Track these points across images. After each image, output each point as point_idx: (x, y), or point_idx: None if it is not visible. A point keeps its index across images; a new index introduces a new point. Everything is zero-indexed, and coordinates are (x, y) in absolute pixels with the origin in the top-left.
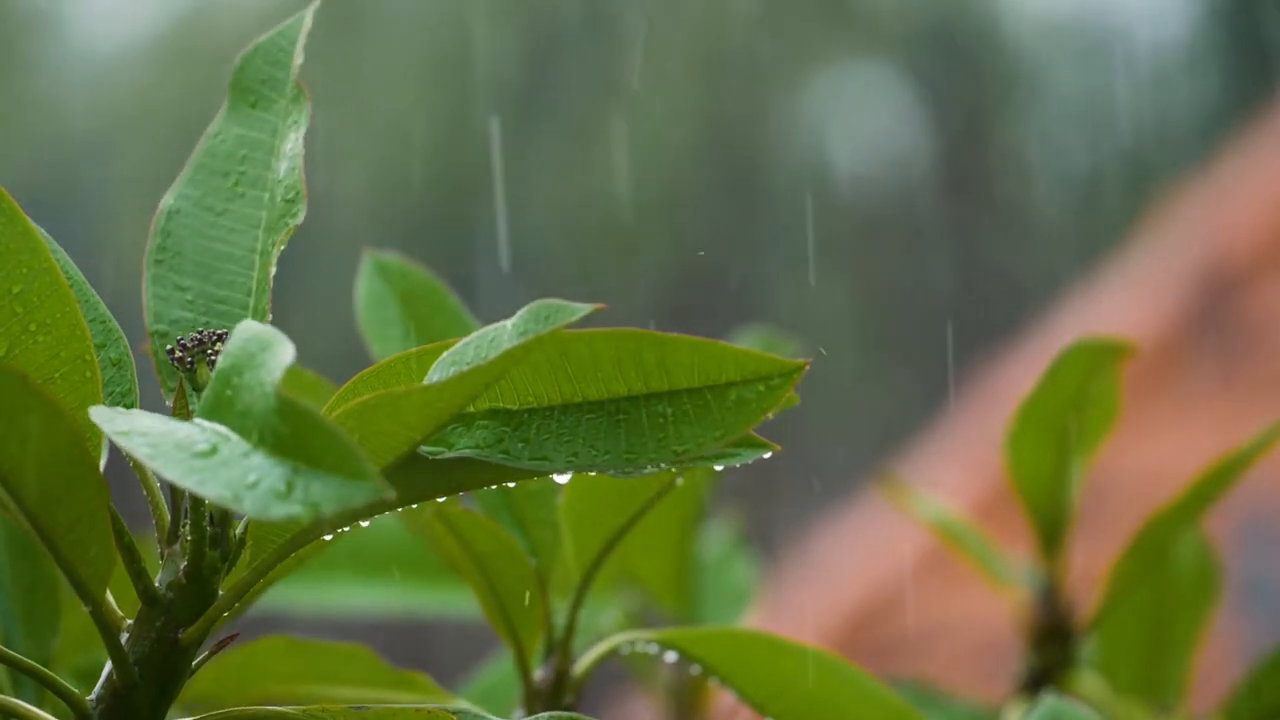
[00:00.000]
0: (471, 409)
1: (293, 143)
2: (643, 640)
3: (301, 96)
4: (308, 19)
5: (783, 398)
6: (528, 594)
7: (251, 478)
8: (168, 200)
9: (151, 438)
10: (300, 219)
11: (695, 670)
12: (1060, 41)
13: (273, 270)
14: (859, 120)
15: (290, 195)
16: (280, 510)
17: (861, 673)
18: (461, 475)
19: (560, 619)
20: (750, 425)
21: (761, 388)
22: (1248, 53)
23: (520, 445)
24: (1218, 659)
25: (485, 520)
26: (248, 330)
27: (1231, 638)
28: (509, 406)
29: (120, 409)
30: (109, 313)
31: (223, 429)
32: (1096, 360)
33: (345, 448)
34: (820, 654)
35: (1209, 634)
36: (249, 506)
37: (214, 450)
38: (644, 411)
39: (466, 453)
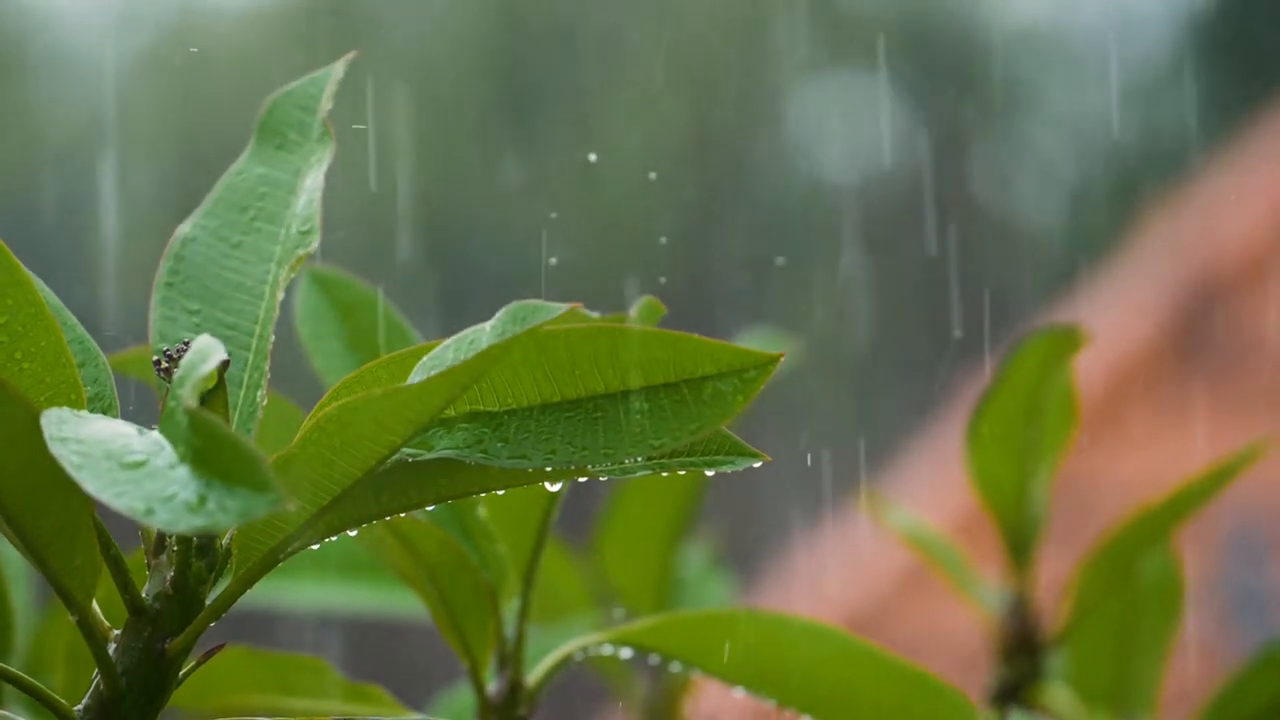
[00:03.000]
0: (452, 412)
1: (313, 178)
2: (595, 643)
3: (327, 136)
4: (339, 69)
5: (758, 390)
6: (480, 606)
7: (170, 490)
8: (184, 229)
9: (86, 445)
10: (313, 249)
11: (654, 660)
12: (1047, 53)
13: (280, 296)
14: (845, 129)
15: (305, 227)
16: (188, 523)
17: (818, 624)
18: (444, 482)
19: (510, 630)
20: (727, 419)
21: (737, 381)
22: (1235, 65)
23: (499, 445)
24: (1205, 668)
25: (436, 530)
26: (198, 343)
27: (1219, 647)
28: (489, 409)
29: (73, 411)
30: (86, 333)
31: (162, 440)
32: (1051, 355)
33: (251, 460)
34: (778, 617)
35: (1177, 644)
36: (160, 519)
37: (144, 462)
38: (620, 408)
39: (447, 453)
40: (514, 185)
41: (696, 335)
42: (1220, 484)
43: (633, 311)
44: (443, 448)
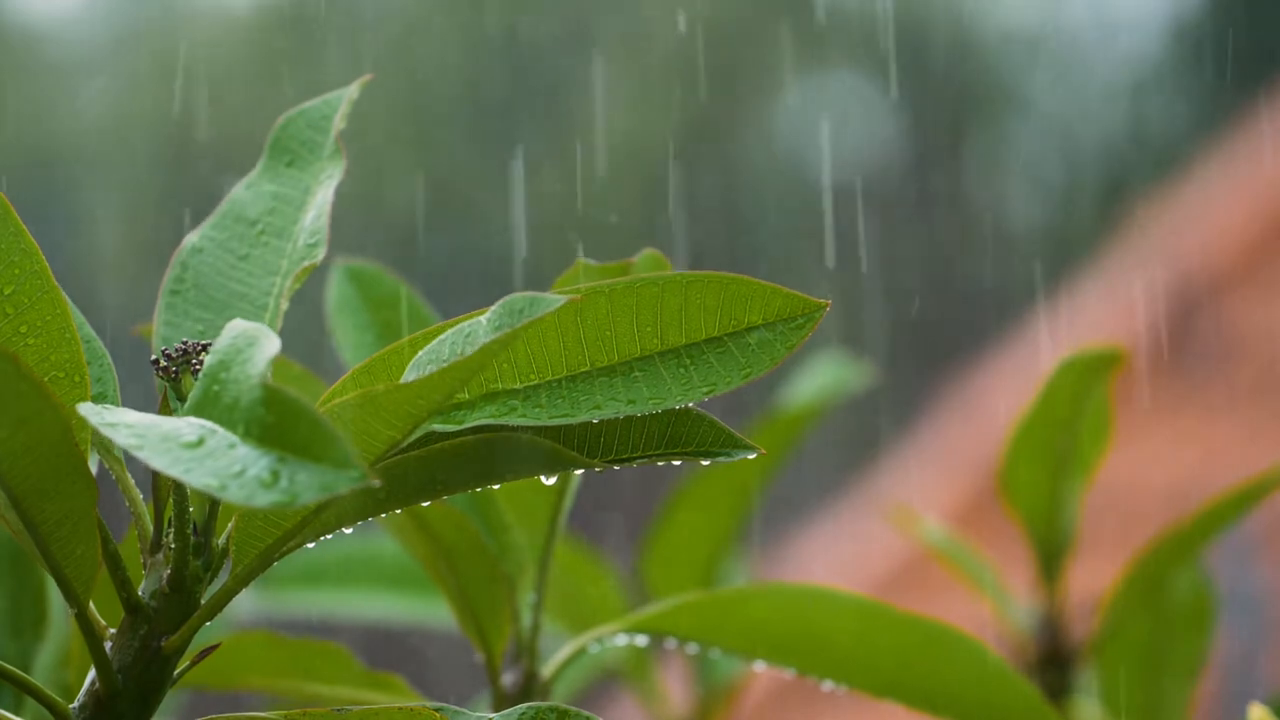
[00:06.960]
0: (466, 395)
1: (323, 194)
2: (610, 633)
3: (338, 154)
4: (354, 90)
5: (805, 338)
6: (496, 595)
7: (237, 467)
8: (192, 239)
9: (138, 429)
10: (319, 260)
11: (671, 644)
12: (1035, 53)
13: (284, 307)
14: (835, 128)
15: (313, 240)
16: (265, 499)
17: (828, 589)
18: (440, 476)
19: (526, 621)
20: (774, 364)
21: (784, 329)
22: (1222, 65)
23: (536, 410)
24: None
25: (455, 513)
26: (236, 328)
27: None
28: (510, 386)
29: (108, 406)
30: (93, 331)
31: (209, 423)
32: (1089, 375)
33: (330, 436)
34: (788, 587)
35: (1208, 661)
36: (235, 495)
37: (201, 442)
38: (661, 366)
39: (485, 420)
40: (504, 182)
41: (747, 277)
42: (1251, 501)
43: (635, 260)
44: (476, 418)
